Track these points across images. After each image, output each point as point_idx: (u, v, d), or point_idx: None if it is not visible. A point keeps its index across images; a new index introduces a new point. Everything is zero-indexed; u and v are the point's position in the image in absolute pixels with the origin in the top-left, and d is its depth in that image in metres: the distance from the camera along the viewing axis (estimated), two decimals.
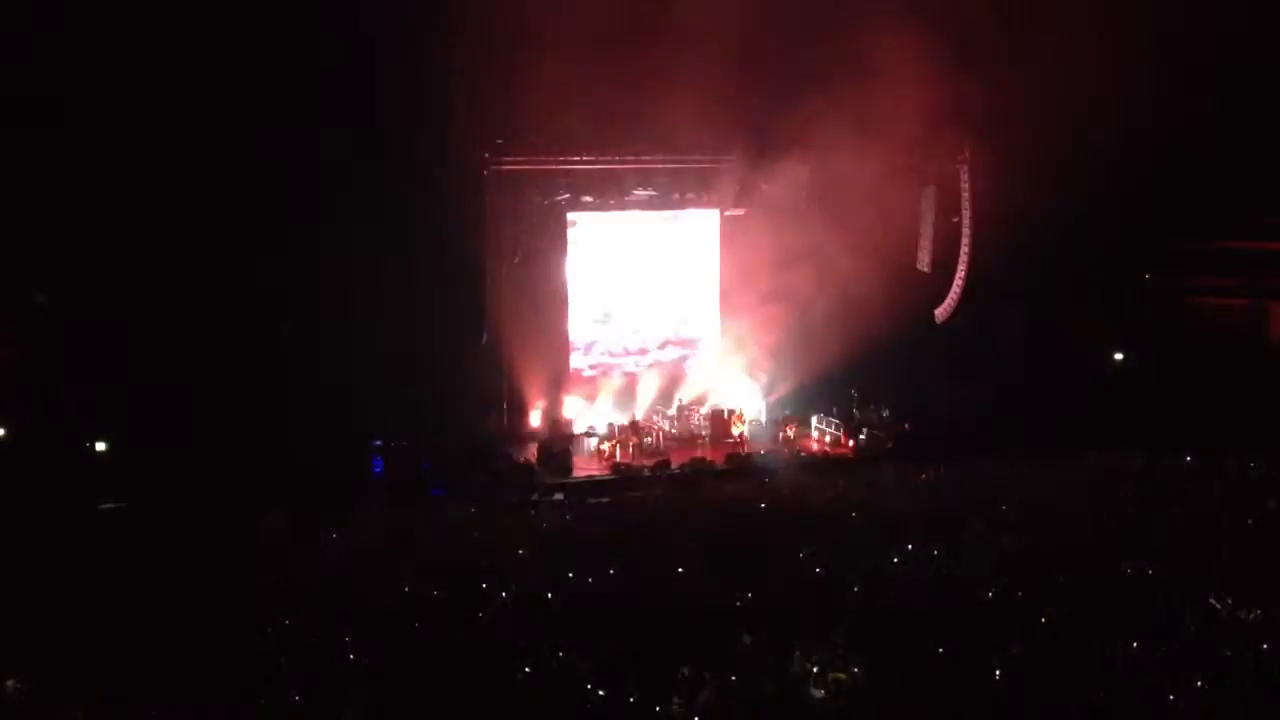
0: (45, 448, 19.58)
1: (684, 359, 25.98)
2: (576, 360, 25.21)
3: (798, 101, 21.01)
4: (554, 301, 24.84)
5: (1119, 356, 25.31)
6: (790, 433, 23.80)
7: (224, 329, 19.95)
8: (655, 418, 24.48)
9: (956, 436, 21.44)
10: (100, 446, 20.23)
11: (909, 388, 23.52)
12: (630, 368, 25.54)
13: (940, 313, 24.55)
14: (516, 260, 23.94)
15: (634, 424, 23.72)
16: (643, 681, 9.60)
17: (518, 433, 23.68)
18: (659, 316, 25.75)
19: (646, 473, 21.26)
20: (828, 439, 23.76)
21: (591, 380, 25.29)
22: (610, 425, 23.71)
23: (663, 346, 25.87)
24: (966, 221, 23.94)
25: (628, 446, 22.96)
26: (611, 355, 25.54)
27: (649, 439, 23.43)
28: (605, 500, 19.06)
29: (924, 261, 24.76)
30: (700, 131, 22.49)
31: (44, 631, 11.36)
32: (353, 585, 13.29)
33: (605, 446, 22.85)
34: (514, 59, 19.69)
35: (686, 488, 19.80)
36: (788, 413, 24.50)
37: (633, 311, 25.50)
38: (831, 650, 10.04)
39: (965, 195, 23.89)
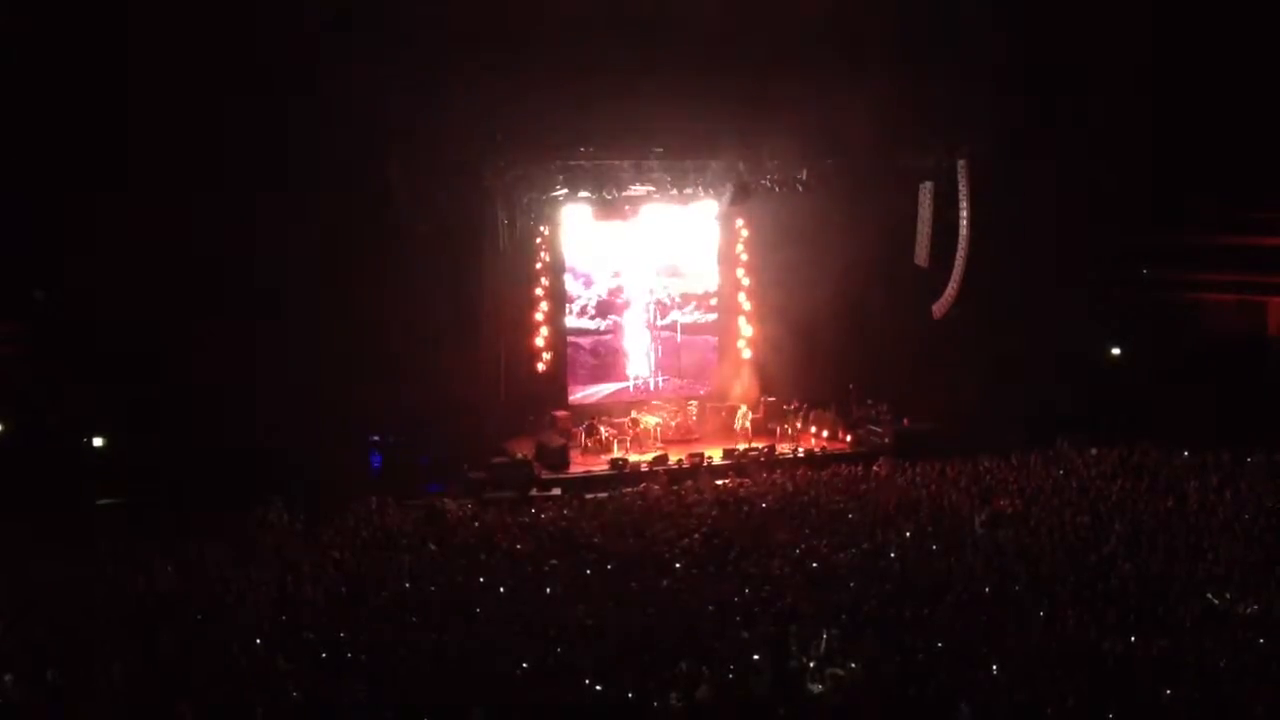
0: (43, 443, 19.58)
1: (681, 355, 26.00)
2: (575, 355, 25.23)
3: (796, 96, 20.96)
4: (552, 296, 24.88)
5: (1116, 352, 25.33)
6: (788, 428, 23.82)
7: (222, 325, 19.93)
8: (653, 412, 24.47)
9: (954, 433, 21.46)
10: (98, 442, 20.24)
11: (906, 384, 23.51)
12: (628, 362, 25.56)
13: (938, 308, 24.52)
14: (514, 255, 23.94)
15: (632, 419, 23.73)
16: (641, 677, 9.63)
17: (515, 428, 23.67)
18: (656, 311, 25.76)
19: (644, 468, 21.25)
20: (825, 434, 23.75)
21: (590, 375, 25.32)
22: (608, 420, 23.72)
23: (660, 341, 25.88)
24: (964, 217, 23.92)
25: (625, 441, 22.99)
26: (610, 350, 25.56)
27: (647, 434, 23.45)
28: (603, 495, 19.08)
29: (922, 257, 24.73)
30: (697, 127, 22.45)
31: (43, 628, 11.39)
32: (350, 581, 13.33)
33: (599, 438, 22.87)
34: (511, 55, 19.65)
35: (684, 483, 19.78)
36: (785, 408, 24.51)
37: (630, 307, 25.53)
38: (829, 646, 10.07)
39: (963, 191, 23.86)
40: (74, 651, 10.52)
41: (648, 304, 25.64)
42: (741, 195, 24.15)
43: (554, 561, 13.87)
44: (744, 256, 26.08)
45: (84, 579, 13.43)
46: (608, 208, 24.35)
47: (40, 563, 14.25)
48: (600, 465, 21.79)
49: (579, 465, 21.95)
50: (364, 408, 20.69)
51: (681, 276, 25.88)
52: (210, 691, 9.64)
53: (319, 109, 19.47)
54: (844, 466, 20.33)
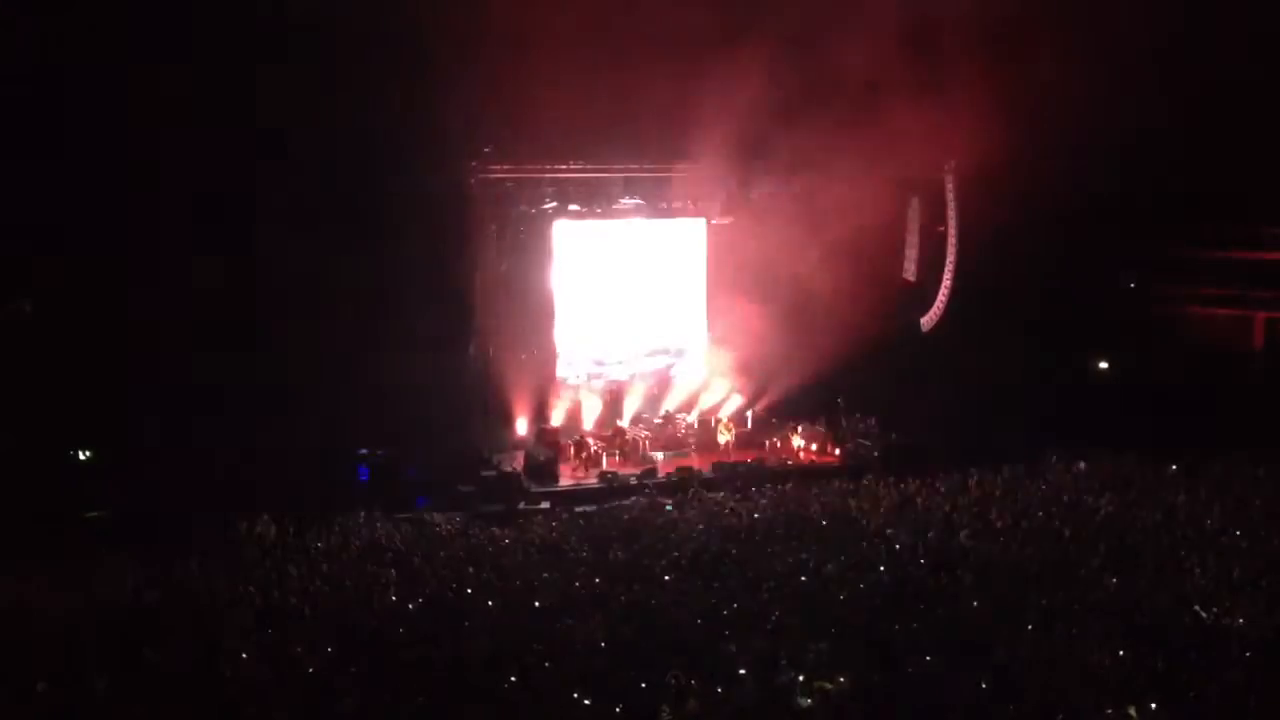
0: (29, 456, 19.46)
1: (670, 366, 26.00)
2: (563, 369, 25.19)
3: (784, 112, 21.05)
4: (540, 310, 24.84)
5: (1104, 365, 25.42)
6: (777, 441, 23.81)
7: (211, 338, 19.88)
8: (642, 426, 24.46)
9: (943, 446, 21.47)
10: (84, 455, 20.14)
11: (896, 397, 23.55)
12: (617, 376, 25.54)
13: (926, 321, 24.62)
14: (503, 269, 23.96)
15: (620, 432, 23.69)
16: (630, 690, 9.59)
17: (504, 441, 23.62)
18: (646, 324, 25.76)
19: (633, 481, 21.21)
20: (814, 448, 23.75)
21: (578, 388, 25.28)
22: (597, 434, 23.70)
23: (649, 354, 25.88)
24: (952, 230, 24.04)
25: (614, 455, 22.94)
26: (598, 363, 25.54)
27: (635, 447, 23.42)
28: (592, 509, 19.03)
29: (910, 270, 24.84)
30: (686, 141, 22.54)
31: (33, 635, 11.33)
32: (338, 594, 13.26)
33: (592, 453, 22.81)
34: (501, 68, 19.70)
35: (673, 496, 19.75)
36: (774, 421, 24.52)
37: (619, 319, 25.51)
38: (817, 659, 10.04)
39: (950, 204, 23.99)
40: (62, 665, 10.44)
41: (637, 315, 25.64)
42: (732, 208, 24.25)
43: (543, 575, 13.81)
44: (734, 269, 26.12)
45: (71, 592, 13.35)
46: (597, 221, 24.39)
47: (27, 576, 14.17)
48: (589, 479, 21.76)
49: (567, 479, 21.91)
50: (352, 421, 20.63)
51: (671, 288, 25.90)
52: (197, 705, 9.58)
53: (313, 121, 19.55)
54: (833, 480, 20.32)
